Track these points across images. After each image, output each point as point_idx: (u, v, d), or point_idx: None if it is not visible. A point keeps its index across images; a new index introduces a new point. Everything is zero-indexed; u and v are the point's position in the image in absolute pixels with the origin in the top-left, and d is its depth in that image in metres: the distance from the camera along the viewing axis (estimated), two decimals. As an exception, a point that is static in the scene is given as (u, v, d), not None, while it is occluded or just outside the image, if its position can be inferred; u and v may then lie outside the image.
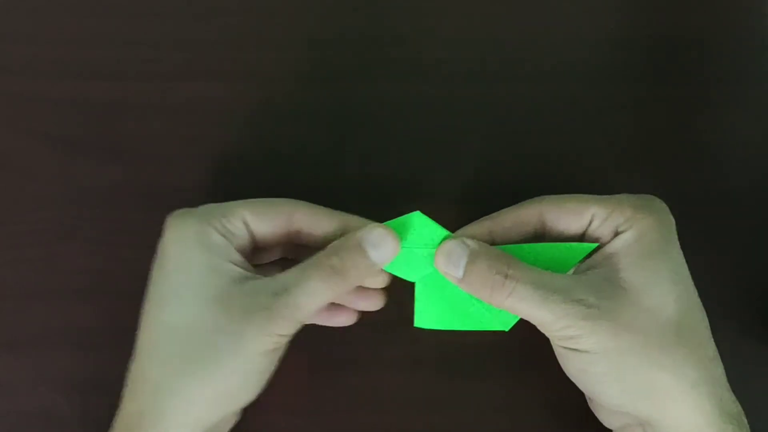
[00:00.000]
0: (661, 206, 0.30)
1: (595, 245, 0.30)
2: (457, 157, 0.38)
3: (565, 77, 0.39)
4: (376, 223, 0.30)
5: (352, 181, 0.38)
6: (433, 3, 0.40)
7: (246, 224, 0.31)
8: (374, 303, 0.33)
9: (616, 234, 0.30)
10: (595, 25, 0.40)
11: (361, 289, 0.33)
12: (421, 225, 0.30)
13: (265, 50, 0.39)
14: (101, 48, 0.39)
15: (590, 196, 0.31)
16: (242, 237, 0.31)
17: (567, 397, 0.35)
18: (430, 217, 0.30)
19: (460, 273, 0.29)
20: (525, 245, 0.31)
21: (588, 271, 0.30)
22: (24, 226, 0.37)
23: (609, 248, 0.30)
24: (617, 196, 0.31)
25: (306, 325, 0.36)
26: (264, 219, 0.31)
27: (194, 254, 0.29)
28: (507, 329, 0.31)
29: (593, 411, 0.33)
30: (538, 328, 0.30)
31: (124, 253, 0.36)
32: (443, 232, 0.30)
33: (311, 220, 0.31)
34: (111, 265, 0.36)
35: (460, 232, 0.31)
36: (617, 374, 0.28)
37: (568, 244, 0.31)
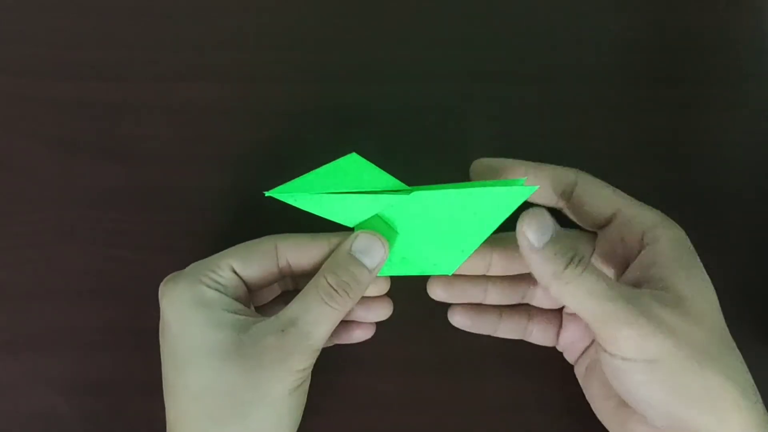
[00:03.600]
0: (678, 226, 0.31)
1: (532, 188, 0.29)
2: (456, 158, 0.38)
3: (565, 78, 0.39)
4: (360, 231, 0.30)
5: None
6: (432, 3, 0.40)
7: (235, 272, 0.31)
8: (383, 312, 0.33)
9: (642, 240, 0.30)
10: (595, 26, 0.40)
11: (366, 300, 0.32)
12: (358, 168, 0.30)
13: (265, 50, 0.39)
14: (101, 48, 0.39)
15: (624, 195, 0.32)
16: (235, 286, 0.31)
17: (567, 398, 0.35)
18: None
19: (541, 244, 0.28)
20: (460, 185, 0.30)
21: (635, 284, 0.30)
22: (24, 227, 0.37)
23: (646, 258, 0.30)
24: (645, 205, 0.31)
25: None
26: (251, 263, 0.31)
27: (192, 314, 0.29)
28: (450, 273, 0.31)
29: (609, 425, 0.33)
30: (592, 326, 0.29)
31: (123, 254, 0.36)
32: (384, 175, 0.30)
33: (297, 251, 0.31)
34: (110, 266, 0.36)
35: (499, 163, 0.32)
36: (673, 383, 0.28)
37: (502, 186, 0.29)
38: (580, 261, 0.28)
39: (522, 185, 0.29)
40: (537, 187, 0.29)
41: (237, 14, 0.39)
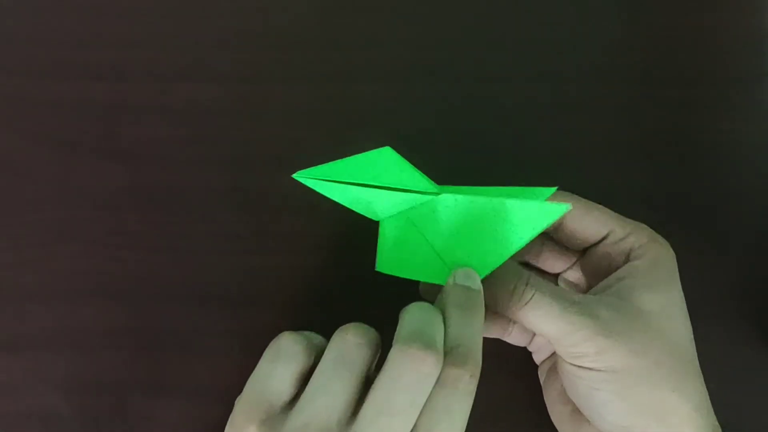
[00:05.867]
0: (668, 245, 0.32)
1: (565, 206, 0.29)
2: (457, 158, 0.38)
3: (564, 78, 0.39)
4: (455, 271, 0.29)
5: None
6: (432, 4, 0.40)
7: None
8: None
9: (628, 258, 0.31)
10: (594, 26, 0.40)
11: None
12: (390, 162, 0.29)
13: (265, 50, 0.39)
14: (101, 48, 0.39)
15: (613, 213, 0.32)
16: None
17: (567, 398, 0.35)
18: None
19: (478, 283, 0.29)
20: (492, 188, 0.30)
21: (603, 292, 0.31)
22: (23, 227, 0.37)
23: (623, 272, 0.31)
24: (636, 222, 0.32)
25: (303, 324, 0.36)
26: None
27: None
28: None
29: (561, 429, 0.33)
30: (552, 342, 0.30)
31: (123, 255, 0.36)
32: (416, 173, 0.29)
33: None
34: (110, 266, 0.36)
35: None
36: (627, 394, 0.28)
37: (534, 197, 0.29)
38: (526, 286, 0.29)
39: (554, 191, 0.29)
40: (569, 205, 0.29)
41: (237, 14, 0.39)
